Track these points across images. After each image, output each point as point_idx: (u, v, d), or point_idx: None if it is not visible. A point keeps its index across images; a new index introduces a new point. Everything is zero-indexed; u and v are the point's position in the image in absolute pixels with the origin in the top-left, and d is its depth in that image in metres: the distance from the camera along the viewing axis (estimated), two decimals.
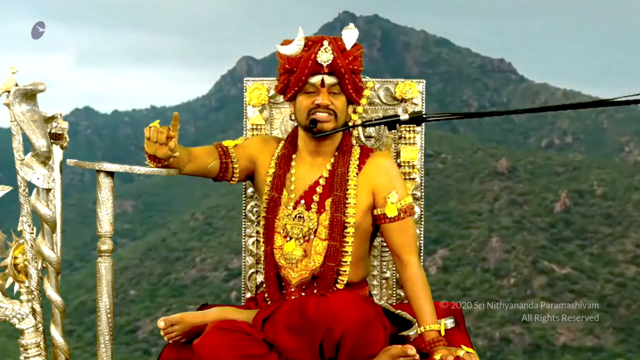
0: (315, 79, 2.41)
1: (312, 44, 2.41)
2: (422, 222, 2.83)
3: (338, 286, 2.45)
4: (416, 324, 2.40)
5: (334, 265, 2.43)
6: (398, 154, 2.82)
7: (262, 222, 2.57)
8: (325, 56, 2.40)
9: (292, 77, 2.43)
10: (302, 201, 2.49)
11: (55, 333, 2.38)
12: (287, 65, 2.44)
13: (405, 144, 2.81)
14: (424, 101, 2.84)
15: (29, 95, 2.18)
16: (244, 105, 2.88)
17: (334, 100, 2.43)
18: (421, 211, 2.83)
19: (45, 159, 2.22)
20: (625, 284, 29.46)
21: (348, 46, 2.43)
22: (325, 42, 2.41)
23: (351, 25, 2.47)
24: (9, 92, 2.17)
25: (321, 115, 2.41)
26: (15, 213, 2.31)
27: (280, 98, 2.82)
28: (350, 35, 2.44)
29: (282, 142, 2.61)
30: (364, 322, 2.22)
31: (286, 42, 2.46)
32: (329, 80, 2.41)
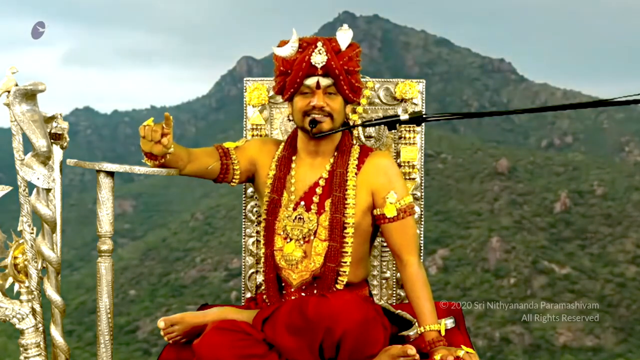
0: (310, 81, 2.41)
1: (306, 46, 2.41)
2: (422, 222, 2.83)
3: (338, 286, 2.45)
4: (416, 324, 2.40)
5: (334, 266, 2.43)
6: (398, 154, 2.82)
7: (262, 224, 2.57)
8: (319, 58, 2.39)
9: (288, 79, 2.43)
10: (302, 202, 2.49)
11: (55, 333, 2.37)
12: (282, 67, 2.44)
13: (405, 144, 2.81)
14: (424, 101, 2.84)
15: (29, 95, 2.17)
16: (244, 105, 2.89)
17: (330, 101, 2.43)
18: (421, 211, 2.83)
19: (45, 159, 2.22)
20: (625, 284, 29.48)
21: (342, 47, 2.42)
22: (319, 44, 2.40)
23: (345, 26, 2.46)
24: (9, 92, 2.16)
25: (316, 116, 2.41)
26: (15, 213, 2.30)
27: (280, 98, 2.83)
28: (344, 37, 2.43)
29: (282, 144, 2.61)
30: (364, 322, 2.22)
31: (283, 43, 2.45)
32: (324, 82, 2.41)
